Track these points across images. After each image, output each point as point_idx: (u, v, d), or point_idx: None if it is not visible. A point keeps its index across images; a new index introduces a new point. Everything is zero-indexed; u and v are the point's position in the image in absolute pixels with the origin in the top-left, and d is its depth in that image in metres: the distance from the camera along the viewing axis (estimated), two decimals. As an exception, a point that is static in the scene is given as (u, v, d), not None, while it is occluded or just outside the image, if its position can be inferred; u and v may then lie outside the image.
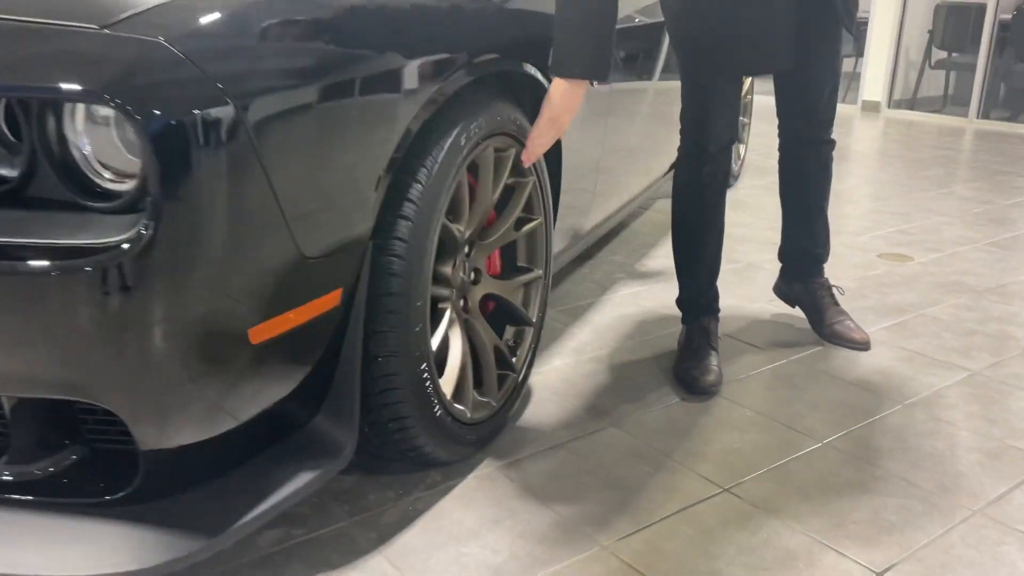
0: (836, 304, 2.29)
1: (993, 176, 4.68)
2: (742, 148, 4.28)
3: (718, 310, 2.13)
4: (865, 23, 7.65)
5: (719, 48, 1.87)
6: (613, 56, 1.69)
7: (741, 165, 4.29)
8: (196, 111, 0.96)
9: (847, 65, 8.78)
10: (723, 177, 2.01)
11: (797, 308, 2.36)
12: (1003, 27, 6.83)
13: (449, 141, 1.39)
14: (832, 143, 2.16)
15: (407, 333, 1.34)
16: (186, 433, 1.12)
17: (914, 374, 2.09)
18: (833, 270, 2.85)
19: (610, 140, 2.30)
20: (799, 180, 2.19)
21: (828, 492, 1.57)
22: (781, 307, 2.47)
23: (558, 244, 2.18)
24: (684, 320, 2.13)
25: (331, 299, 1.20)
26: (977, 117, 6.80)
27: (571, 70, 1.58)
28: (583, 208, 2.24)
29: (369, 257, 1.27)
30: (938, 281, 2.81)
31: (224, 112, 0.98)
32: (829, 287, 2.30)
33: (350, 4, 1.19)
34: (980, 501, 1.56)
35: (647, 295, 2.59)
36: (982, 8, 6.80)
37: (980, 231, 3.46)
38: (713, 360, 2.01)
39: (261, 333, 1.09)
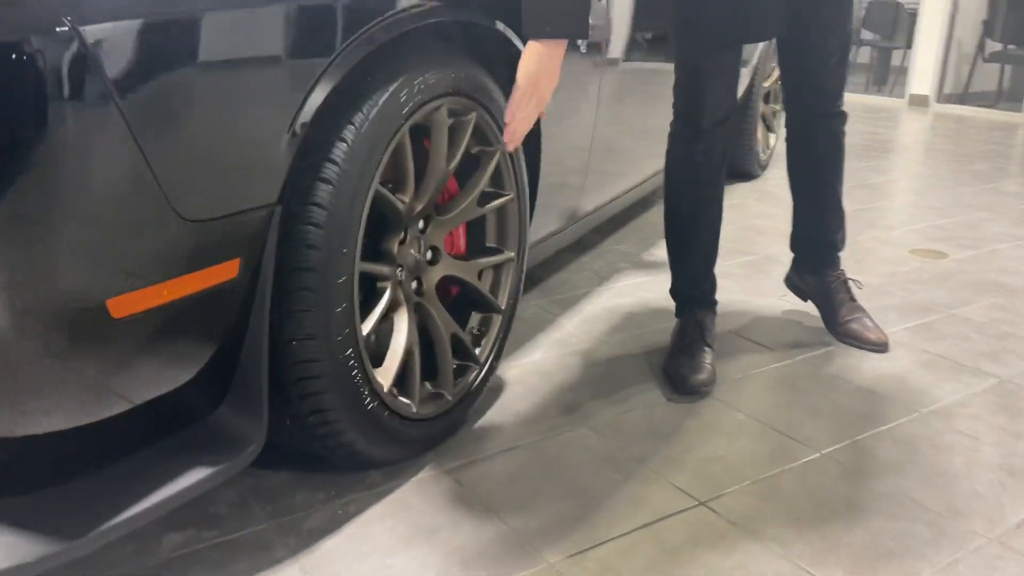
0: (852, 300, 2.07)
1: (1045, 172, 4.37)
2: (772, 137, 4.04)
3: (715, 302, 1.93)
4: (914, 13, 7.31)
5: (706, 14, 1.69)
6: (593, 10, 1.50)
7: (770, 155, 4.05)
8: (25, 34, 0.80)
9: (895, 58, 8.43)
10: (719, 156, 1.80)
11: (811, 304, 2.14)
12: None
13: (385, 96, 1.22)
14: (843, 116, 1.94)
15: (326, 313, 1.18)
16: (43, 421, 0.97)
17: (935, 379, 1.87)
18: (859, 265, 2.63)
19: (606, 115, 2.11)
20: (809, 159, 1.98)
21: (820, 510, 1.37)
22: (794, 303, 2.25)
23: (548, 225, 2.01)
24: (677, 312, 1.94)
25: (224, 271, 1.04)
26: (1033, 113, 6.43)
27: (543, 29, 1.39)
28: (575, 188, 2.05)
29: (276, 224, 1.10)
30: (972, 279, 2.56)
31: (62, 36, 0.82)
32: (845, 281, 2.08)
33: None
34: (997, 527, 1.35)
35: (649, 286, 2.39)
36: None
37: (1022, 228, 3.20)
38: (706, 357, 1.81)
39: (125, 306, 0.93)
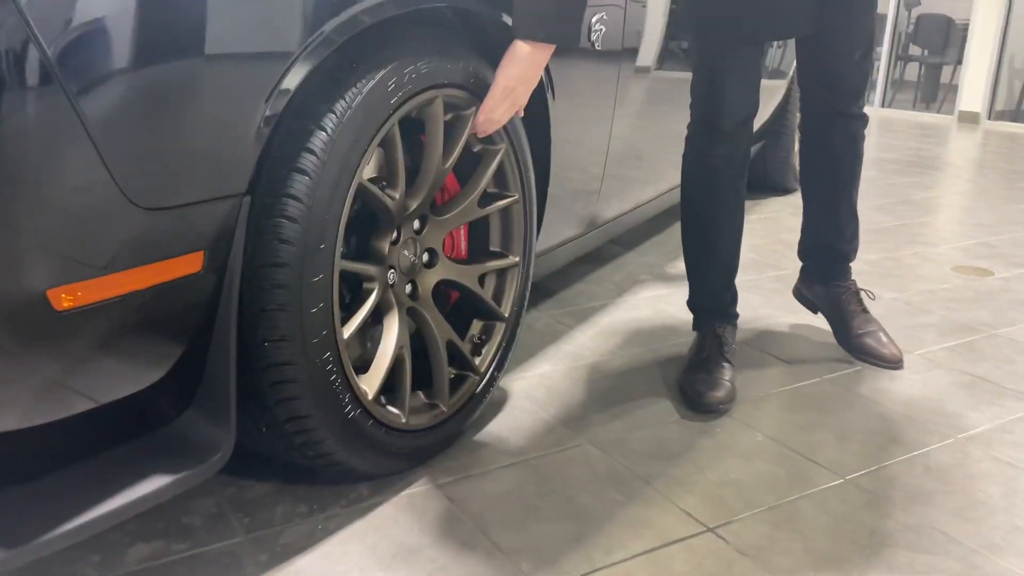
0: (865, 312, 1.93)
1: (1101, 190, 4.16)
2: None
3: (735, 316, 1.82)
4: (965, 28, 7.10)
5: (727, 9, 1.59)
6: (584, 18, 1.40)
7: (800, 139, 3.91)
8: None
9: (944, 75, 8.20)
10: (741, 160, 1.70)
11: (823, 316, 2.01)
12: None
13: (371, 84, 1.15)
14: (863, 118, 1.82)
15: (301, 313, 1.10)
16: (-6, 419, 0.91)
17: (975, 403, 1.73)
18: (897, 281, 2.50)
19: (624, 119, 2.02)
20: (824, 161, 1.85)
21: (840, 541, 1.26)
22: (825, 322, 2.13)
23: (563, 231, 1.92)
24: (695, 325, 1.83)
25: (185, 264, 0.97)
26: (1089, 130, 6.18)
27: (536, 33, 1.31)
28: (590, 193, 1.96)
29: (245, 216, 1.03)
30: (1018, 298, 2.41)
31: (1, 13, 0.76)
32: (857, 292, 1.95)
33: None
34: (1038, 567, 1.22)
35: (670, 300, 2.29)
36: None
37: (1078, 247, 3.02)
38: (725, 374, 1.70)
39: (67, 297, 0.87)
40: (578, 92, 1.75)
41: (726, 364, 1.72)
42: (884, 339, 1.89)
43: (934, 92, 8.25)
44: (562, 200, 1.82)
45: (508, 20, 1.42)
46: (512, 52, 1.32)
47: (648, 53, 2.09)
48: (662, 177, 2.46)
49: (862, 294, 1.96)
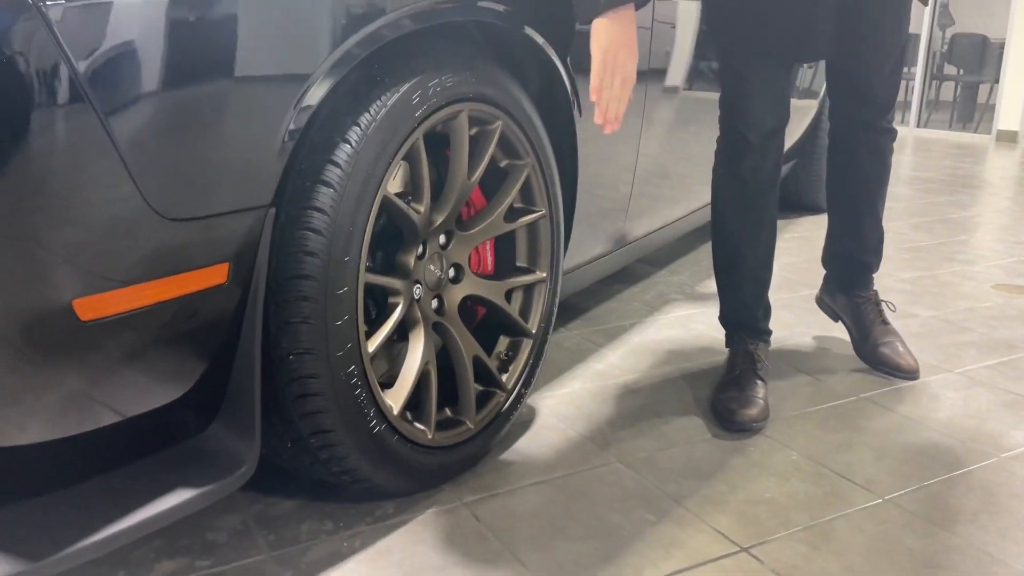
0: (885, 323, 1.92)
1: None
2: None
3: (768, 332, 1.78)
4: (1001, 46, 7.01)
5: (751, 28, 1.58)
6: None
7: (828, 149, 3.86)
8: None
9: (981, 94, 8.08)
10: (770, 172, 1.68)
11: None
12: None
13: (395, 98, 1.15)
14: (892, 132, 1.80)
15: (325, 326, 1.10)
16: (19, 432, 0.91)
17: (1017, 421, 1.68)
18: (936, 299, 2.44)
19: (653, 136, 2.00)
20: (850, 173, 1.83)
21: (879, 562, 1.21)
22: (859, 337, 2.08)
23: (591, 248, 1.90)
24: (727, 342, 1.80)
25: (210, 275, 0.97)
26: None
27: (598, 5, 1.34)
28: (618, 210, 1.95)
29: (270, 228, 1.03)
30: (1064, 316, 2.34)
31: (29, 27, 0.77)
32: (878, 302, 1.94)
33: None
34: (1090, 590, 1.16)
35: (701, 318, 2.25)
36: None
37: (1124, 264, 2.93)
38: (758, 391, 1.66)
39: (93, 308, 0.87)
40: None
41: (759, 381, 1.68)
42: (901, 350, 1.88)
43: (971, 112, 8.14)
44: (590, 217, 1.81)
45: (531, 34, 1.43)
46: (594, 29, 1.35)
47: (676, 73, 2.08)
48: (692, 195, 2.44)
49: (883, 305, 1.94)
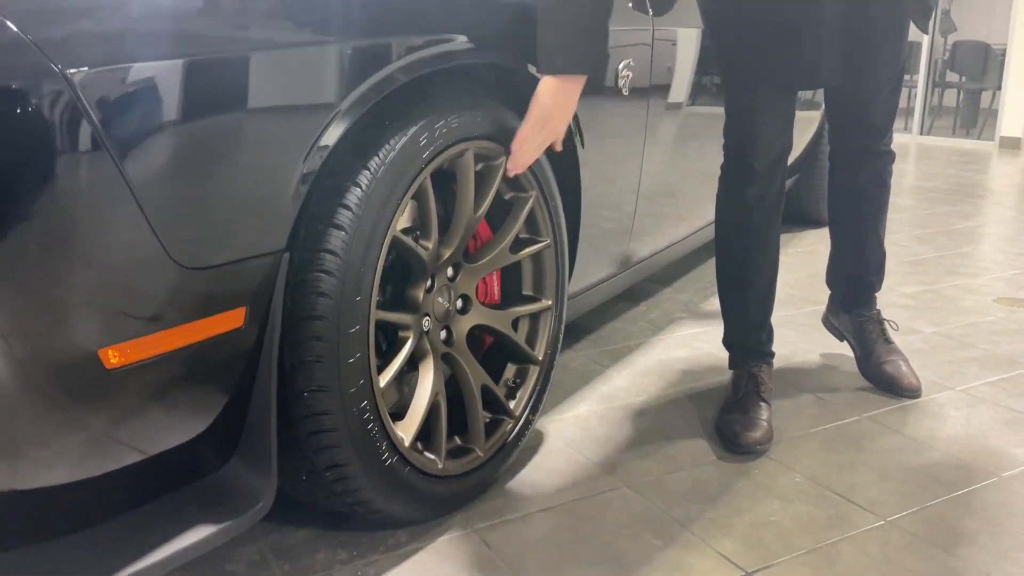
0: (888, 342, 1.95)
1: None
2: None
3: (771, 354, 1.81)
4: (1002, 54, 7.03)
5: (757, 57, 1.62)
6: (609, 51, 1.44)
7: (829, 172, 3.88)
8: (11, 79, 0.79)
9: (984, 100, 8.10)
10: (775, 199, 1.71)
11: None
12: None
13: (403, 141, 1.19)
14: (891, 155, 1.85)
15: (339, 364, 1.13)
16: (46, 473, 0.95)
17: (1019, 440, 1.70)
18: (937, 314, 2.47)
19: (655, 155, 2.03)
20: (851, 196, 1.88)
21: (881, 586, 1.24)
22: (862, 354, 2.11)
23: (597, 272, 1.94)
24: (731, 364, 1.83)
25: (228, 319, 1.01)
26: None
27: (555, 63, 1.35)
28: (622, 232, 1.98)
29: (284, 272, 1.07)
30: (1065, 330, 2.36)
31: (50, 83, 0.81)
32: (880, 321, 1.98)
33: None
34: (1089, 612, 1.19)
35: (706, 337, 2.28)
36: None
37: None
38: (762, 413, 1.69)
39: (119, 356, 0.91)
40: (606, 131, 1.78)
41: (763, 403, 1.71)
42: (904, 369, 1.90)
43: (973, 117, 8.15)
44: (594, 240, 1.84)
45: (535, 71, 1.46)
46: (542, 84, 1.35)
47: (679, 90, 2.11)
48: (697, 213, 2.47)
49: (885, 324, 1.98)
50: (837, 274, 2.00)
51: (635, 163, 1.94)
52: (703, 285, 2.79)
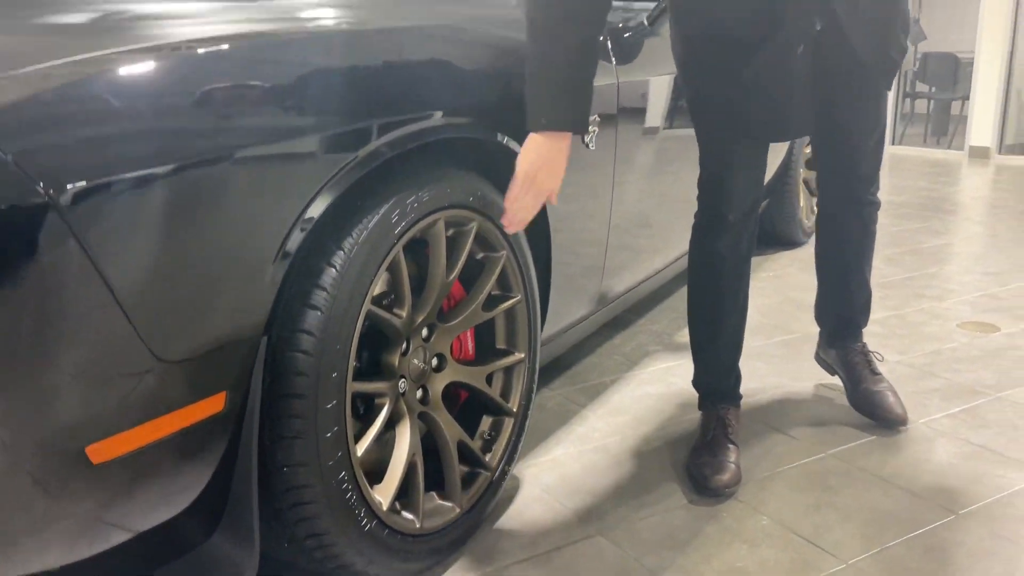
0: (874, 373, 2.03)
1: (1112, 228, 4.17)
2: (816, 202, 3.96)
3: (739, 397, 1.87)
4: (970, 63, 7.16)
5: (730, 112, 1.67)
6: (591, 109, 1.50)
7: (816, 219, 3.96)
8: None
9: (954, 108, 8.23)
10: (746, 248, 1.77)
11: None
12: None
13: (375, 220, 1.24)
14: (876, 204, 1.93)
15: (316, 439, 1.18)
16: (38, 559, 0.99)
17: (978, 475, 1.77)
18: (902, 342, 2.54)
19: (625, 188, 2.04)
20: (837, 243, 1.97)
21: (841, 632, 1.30)
22: (830, 389, 2.18)
23: (572, 314, 1.99)
24: (700, 405, 1.89)
25: (209, 405, 1.06)
26: (1101, 161, 6.19)
27: (540, 121, 1.42)
28: (594, 270, 2.01)
29: (262, 354, 1.12)
30: (1023, 356, 2.45)
31: (27, 196, 0.85)
32: (866, 353, 2.05)
33: (205, 82, 1.02)
34: (1035, 655, 1.25)
35: (679, 371, 2.34)
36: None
37: (1086, 295, 3.04)
38: (730, 455, 1.75)
39: (104, 451, 0.95)
40: (572, 165, 1.78)
41: (730, 446, 1.77)
42: (891, 400, 1.98)
43: (944, 126, 8.28)
44: (566, 285, 1.88)
45: (503, 140, 1.52)
46: (528, 141, 1.42)
47: (651, 113, 2.13)
48: (672, 244, 2.52)
49: (871, 356, 2.05)
50: (824, 312, 2.08)
51: (604, 195, 1.95)
52: (676, 315, 2.85)
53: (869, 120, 1.80)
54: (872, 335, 2.61)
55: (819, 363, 2.19)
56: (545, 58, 1.41)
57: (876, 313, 2.84)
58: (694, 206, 1.81)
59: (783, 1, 1.55)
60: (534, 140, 1.42)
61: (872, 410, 1.98)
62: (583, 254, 1.95)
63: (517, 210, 1.46)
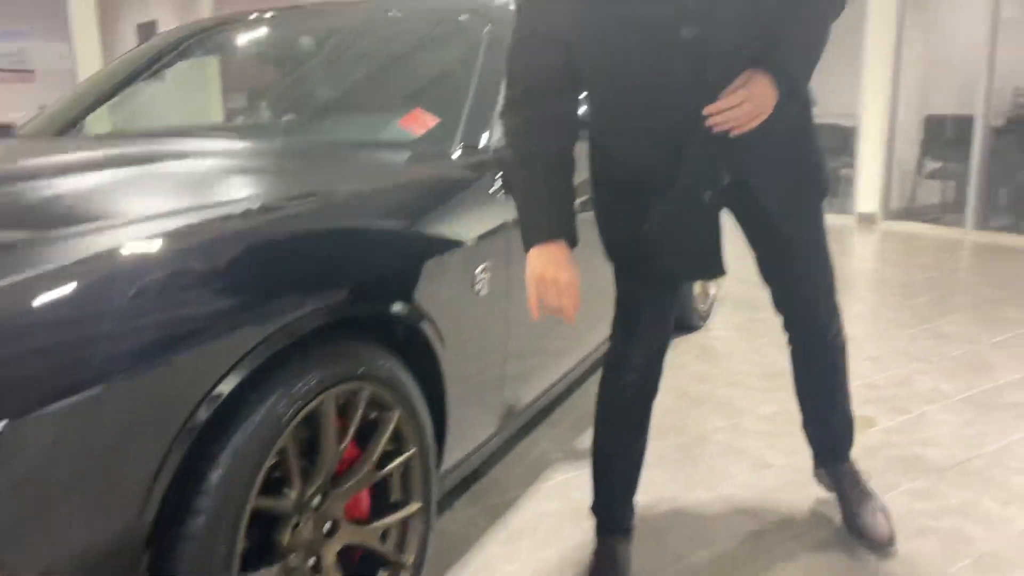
0: (862, 491, 2.12)
1: (981, 305, 4.48)
2: (712, 285, 4.13)
3: (630, 529, 1.95)
4: (853, 132, 7.60)
5: (642, 256, 1.71)
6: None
7: (711, 304, 4.14)
8: None
9: (847, 174, 8.71)
10: (651, 387, 1.86)
11: (738, 500, 2.17)
12: (996, 134, 6.74)
13: (260, 415, 1.27)
14: (842, 344, 2.00)
15: (203, 642, 1.19)
16: None
17: (850, 596, 1.89)
18: (791, 441, 2.67)
19: (520, 288, 2.10)
20: (808, 379, 2.05)
21: None
22: (727, 497, 2.28)
23: (476, 438, 2.03)
24: (596, 531, 1.96)
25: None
26: (974, 228, 6.65)
27: (530, 239, 1.61)
28: (494, 389, 2.05)
29: (145, 568, 1.13)
30: (898, 454, 2.60)
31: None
32: (853, 472, 2.14)
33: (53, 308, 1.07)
34: None
35: (577, 483, 2.42)
36: (970, 120, 6.72)
37: (955, 382, 3.26)
38: (618, 592, 1.82)
39: None
40: (449, 274, 1.77)
41: (621, 579, 1.84)
42: (879, 519, 2.04)
43: (835, 191, 8.74)
44: (464, 412, 1.90)
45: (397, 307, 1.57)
46: (528, 258, 1.62)
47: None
48: (581, 341, 2.58)
49: (860, 475, 2.14)
50: (809, 435, 2.15)
51: (497, 298, 1.96)
52: (580, 415, 2.93)
53: (817, 271, 1.85)
54: (759, 435, 2.74)
55: (817, 481, 2.25)
56: (524, 185, 1.63)
57: (766, 406, 2.98)
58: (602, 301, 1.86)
59: (683, 148, 1.59)
60: (532, 254, 1.61)
61: (859, 533, 2.06)
62: (479, 369, 1.99)
63: (550, 312, 1.62)
